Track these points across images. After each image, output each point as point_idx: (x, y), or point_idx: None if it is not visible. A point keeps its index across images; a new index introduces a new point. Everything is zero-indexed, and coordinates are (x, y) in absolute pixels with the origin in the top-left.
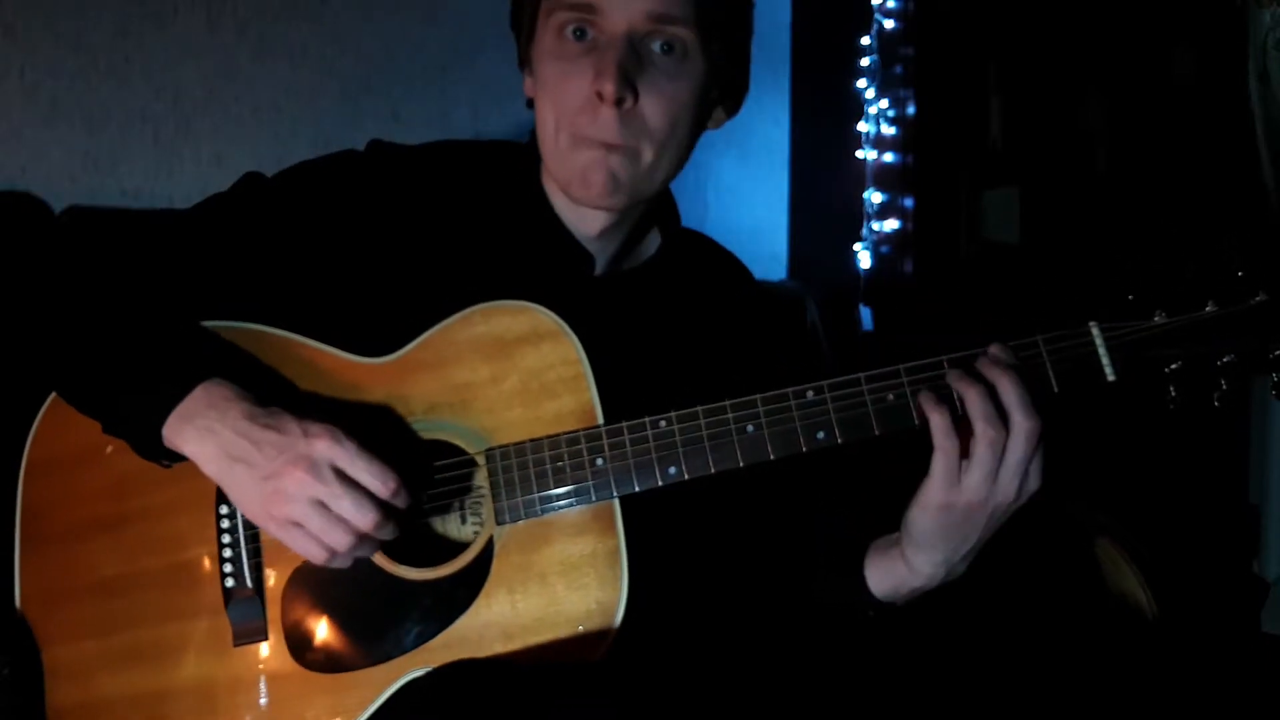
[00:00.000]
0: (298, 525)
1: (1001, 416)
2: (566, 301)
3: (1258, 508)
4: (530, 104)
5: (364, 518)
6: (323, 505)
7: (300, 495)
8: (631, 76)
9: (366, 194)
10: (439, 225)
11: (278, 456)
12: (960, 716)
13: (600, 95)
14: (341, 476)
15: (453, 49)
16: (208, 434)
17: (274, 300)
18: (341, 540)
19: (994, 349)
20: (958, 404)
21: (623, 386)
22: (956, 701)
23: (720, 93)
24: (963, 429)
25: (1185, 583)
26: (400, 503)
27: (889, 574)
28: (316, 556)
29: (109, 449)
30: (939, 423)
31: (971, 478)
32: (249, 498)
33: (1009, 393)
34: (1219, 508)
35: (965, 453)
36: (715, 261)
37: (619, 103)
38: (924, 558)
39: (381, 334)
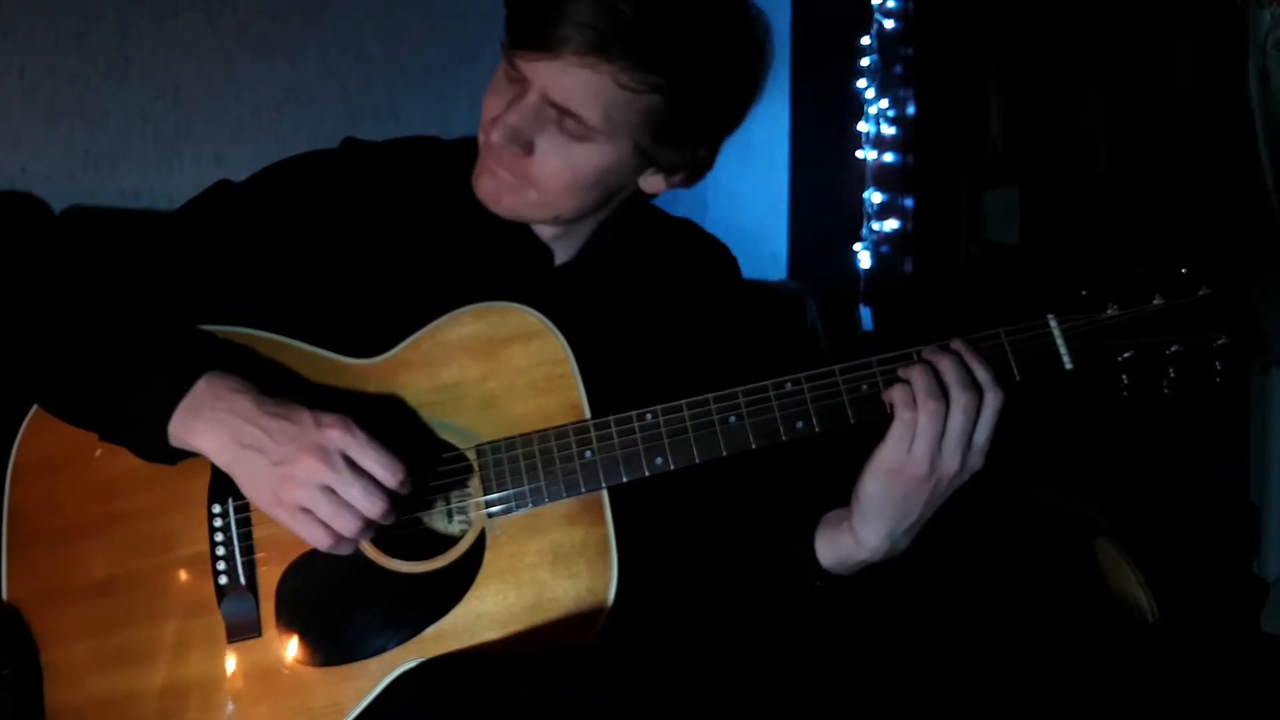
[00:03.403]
0: (306, 511)
1: (943, 391)
2: (528, 293)
3: (1258, 507)
4: None
5: (373, 505)
6: (332, 492)
7: (311, 481)
8: (527, 134)
9: (338, 193)
10: (408, 221)
11: (289, 443)
12: (961, 716)
13: (489, 134)
14: (351, 465)
15: (453, 49)
16: (218, 424)
17: (255, 303)
18: (349, 526)
19: (953, 342)
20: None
21: (605, 374)
22: (957, 701)
23: (661, 168)
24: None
25: (1185, 583)
26: (406, 492)
27: (836, 546)
28: (322, 542)
29: (97, 451)
30: (899, 396)
31: (917, 446)
32: (259, 484)
33: (948, 371)
34: (1218, 507)
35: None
36: (698, 248)
37: (505, 149)
38: (870, 529)
39: (357, 332)
